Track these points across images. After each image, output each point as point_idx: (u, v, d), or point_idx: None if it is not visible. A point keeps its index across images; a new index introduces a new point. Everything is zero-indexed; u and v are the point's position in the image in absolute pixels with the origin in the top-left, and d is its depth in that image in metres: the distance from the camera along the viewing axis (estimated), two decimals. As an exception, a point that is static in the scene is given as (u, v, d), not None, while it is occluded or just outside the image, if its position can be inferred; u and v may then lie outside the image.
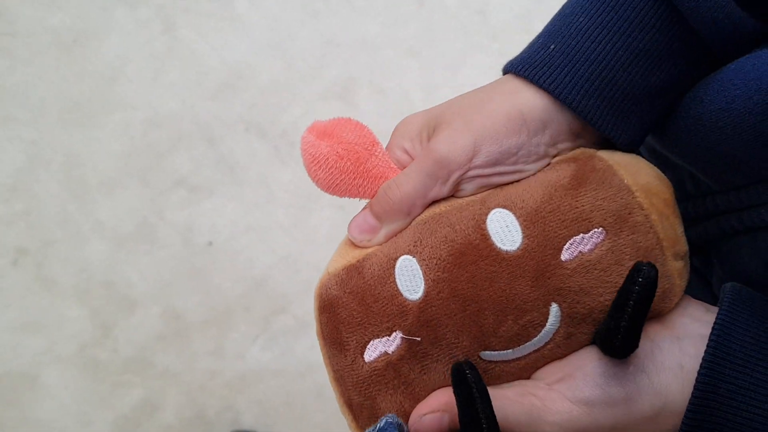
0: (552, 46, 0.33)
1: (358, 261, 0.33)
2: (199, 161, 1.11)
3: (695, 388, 0.29)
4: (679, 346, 0.30)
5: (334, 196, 0.35)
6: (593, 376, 0.30)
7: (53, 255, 1.09)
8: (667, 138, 0.36)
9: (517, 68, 0.33)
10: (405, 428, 0.32)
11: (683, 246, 0.32)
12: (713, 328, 0.30)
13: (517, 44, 0.36)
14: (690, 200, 0.38)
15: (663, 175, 0.34)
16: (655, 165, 0.36)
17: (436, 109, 0.35)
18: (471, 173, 0.33)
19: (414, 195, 0.33)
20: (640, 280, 0.27)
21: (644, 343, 0.29)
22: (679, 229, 0.32)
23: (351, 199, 0.36)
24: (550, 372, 0.32)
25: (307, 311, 1.08)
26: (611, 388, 0.30)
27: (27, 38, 1.14)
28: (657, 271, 0.27)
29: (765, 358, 0.29)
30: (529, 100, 0.33)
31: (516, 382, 0.32)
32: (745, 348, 0.29)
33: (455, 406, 0.30)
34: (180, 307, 1.08)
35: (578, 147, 0.34)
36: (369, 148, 0.34)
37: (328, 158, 0.33)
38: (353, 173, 0.34)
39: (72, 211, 1.10)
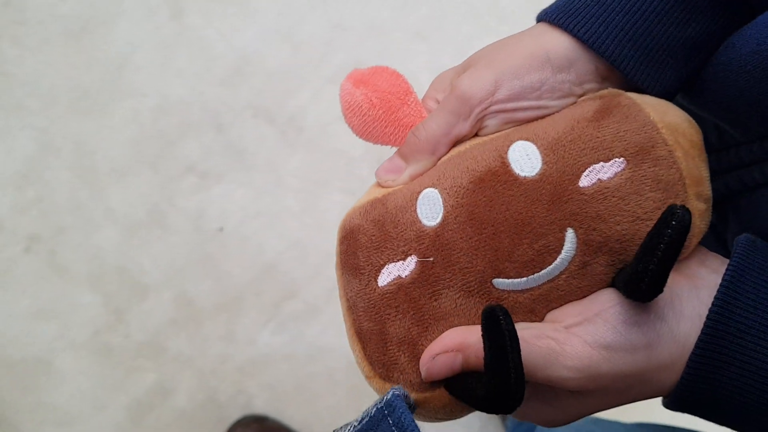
0: None
1: (383, 195, 0.35)
2: (209, 147, 1.12)
3: (705, 324, 0.29)
4: (697, 295, 0.30)
5: (368, 142, 0.37)
6: (614, 321, 0.30)
7: (65, 242, 1.10)
8: (693, 88, 0.36)
9: (551, 16, 0.34)
10: (411, 400, 0.32)
11: (707, 189, 0.32)
12: (727, 270, 0.29)
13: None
14: (713, 153, 0.38)
15: (692, 120, 0.33)
16: None
17: (467, 59, 0.36)
18: (493, 108, 0.33)
19: (438, 132, 0.33)
20: (673, 223, 0.26)
21: (665, 292, 0.29)
22: (705, 172, 0.32)
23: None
24: (568, 314, 0.31)
25: (317, 296, 1.09)
26: (632, 334, 0.30)
27: (36, 26, 1.14)
28: (690, 215, 0.26)
29: None
30: (556, 39, 0.33)
31: (533, 324, 0.31)
32: (758, 290, 0.29)
33: (469, 347, 0.30)
34: (191, 293, 1.09)
35: (605, 88, 0.34)
36: (402, 97, 0.35)
37: (361, 106, 0.35)
38: (385, 121, 0.35)
39: (83, 198, 1.11)
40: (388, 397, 0.30)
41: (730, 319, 0.29)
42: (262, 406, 1.06)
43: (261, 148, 1.12)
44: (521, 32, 0.35)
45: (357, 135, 0.36)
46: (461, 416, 0.33)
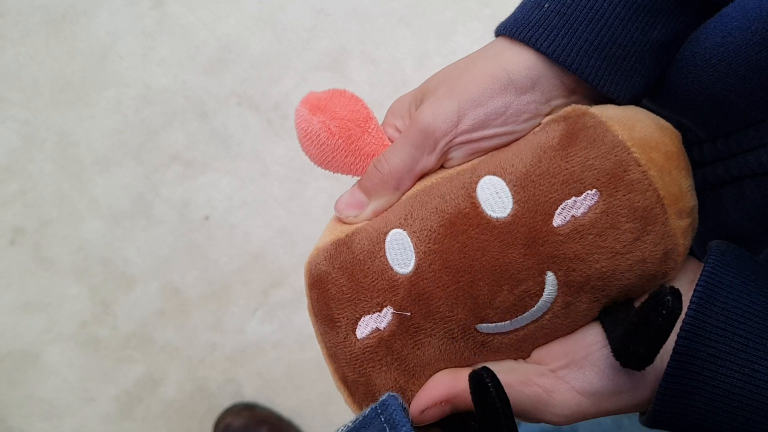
0: (546, 5, 0.32)
1: (346, 236, 0.33)
2: (193, 136, 1.11)
3: (674, 350, 0.28)
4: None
5: (327, 170, 0.35)
6: (601, 365, 0.30)
7: (50, 234, 1.09)
8: (655, 88, 0.35)
9: (510, 30, 0.32)
10: (405, 406, 0.31)
11: (689, 201, 0.31)
12: (694, 293, 0.29)
13: (509, 10, 0.34)
14: None
15: (666, 123, 0.32)
16: None
17: (424, 84, 0.34)
18: (458, 139, 0.32)
19: (402, 168, 0.32)
20: (663, 312, 0.26)
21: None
22: (685, 184, 0.31)
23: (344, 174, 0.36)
24: (555, 355, 0.31)
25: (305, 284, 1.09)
26: (619, 378, 0.29)
27: (16, 17, 1.13)
28: (681, 301, 0.26)
29: (746, 322, 0.28)
30: (517, 57, 0.31)
31: (520, 367, 0.31)
32: (727, 312, 0.28)
33: (458, 397, 0.30)
34: (178, 283, 1.08)
35: (573, 102, 0.33)
36: (362, 125, 0.33)
37: (319, 134, 0.33)
38: (344, 151, 0.33)
39: (67, 189, 1.10)
40: (384, 398, 0.30)
41: (699, 344, 0.28)
42: (251, 394, 1.06)
43: (246, 137, 1.11)
44: (480, 51, 0.33)
45: (315, 164, 0.34)
46: None
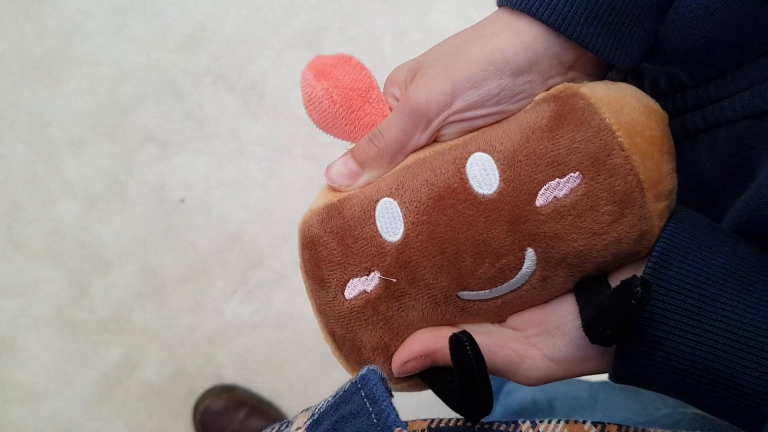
0: None
1: (338, 201, 0.34)
2: (168, 116, 1.09)
3: None
4: None
5: (328, 134, 0.36)
6: (572, 335, 0.32)
7: (23, 217, 1.07)
8: None
9: (512, 1, 0.32)
10: (385, 377, 0.32)
11: (668, 184, 0.32)
12: (650, 257, 0.30)
13: None
14: (660, 97, 0.37)
15: (654, 105, 0.33)
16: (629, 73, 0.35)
17: (420, 56, 0.34)
18: (451, 118, 0.32)
19: (396, 144, 0.33)
20: (633, 302, 0.27)
21: None
22: (666, 167, 0.32)
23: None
24: (530, 323, 0.33)
25: (284, 264, 1.08)
26: (587, 348, 0.31)
27: (-18, -6, 1.10)
28: (650, 293, 0.27)
29: (699, 285, 0.29)
30: (513, 41, 0.31)
31: (496, 330, 0.33)
32: (682, 274, 0.30)
33: (437, 353, 0.32)
34: (156, 265, 1.07)
35: (569, 79, 0.33)
36: (364, 95, 0.34)
37: (322, 101, 0.34)
38: (345, 119, 0.34)
39: (40, 171, 1.08)
40: (363, 372, 0.31)
41: (653, 305, 0.30)
42: (232, 375, 1.06)
43: (222, 116, 1.10)
44: (478, 26, 0.33)
45: (317, 128, 0.36)
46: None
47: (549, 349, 0.32)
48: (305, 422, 0.31)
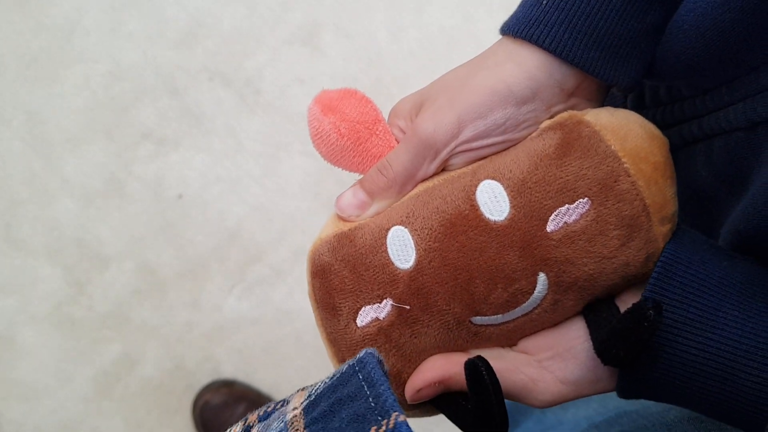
0: (545, 2, 0.32)
1: (349, 230, 0.34)
2: (165, 113, 1.09)
3: None
4: None
5: (337, 167, 0.36)
6: (583, 358, 0.32)
7: (21, 215, 1.07)
8: None
9: (513, 29, 0.33)
10: (384, 363, 0.32)
11: (671, 208, 0.32)
12: (654, 269, 0.31)
13: None
14: (660, 107, 0.38)
15: (656, 131, 0.34)
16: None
17: (425, 88, 0.35)
18: (459, 148, 0.33)
19: (405, 174, 0.34)
20: (645, 324, 0.28)
21: None
22: (669, 191, 0.32)
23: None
24: (541, 347, 0.34)
25: (282, 260, 1.08)
26: (598, 369, 0.32)
27: (-22, -8, 1.10)
28: (662, 315, 0.28)
29: (701, 295, 0.30)
30: (516, 71, 0.32)
31: (508, 355, 0.34)
32: (683, 285, 0.31)
33: (451, 378, 0.32)
34: (154, 262, 1.07)
35: (571, 106, 0.34)
36: (370, 127, 0.35)
37: (329, 135, 0.34)
38: (353, 151, 0.35)
39: (38, 169, 1.08)
40: (361, 355, 0.30)
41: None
42: (230, 371, 1.06)
43: (219, 113, 1.10)
44: (482, 57, 0.34)
45: (325, 160, 0.36)
46: None
47: (561, 372, 0.32)
48: (302, 402, 0.31)
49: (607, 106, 0.35)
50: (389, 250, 0.33)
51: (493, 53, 0.34)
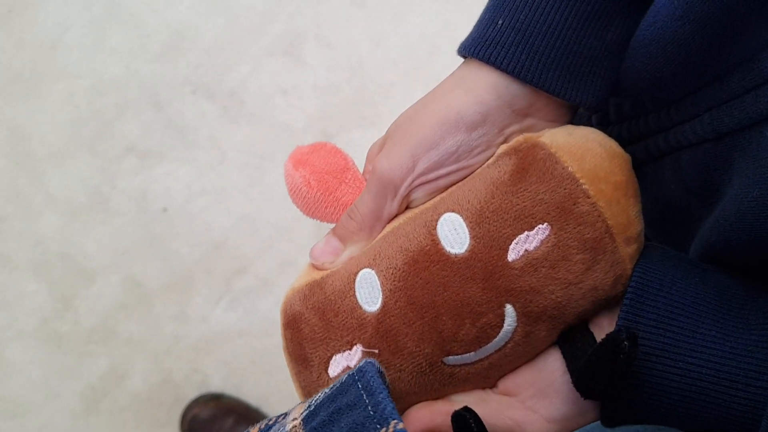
0: (500, 22, 0.32)
1: (321, 278, 0.34)
2: (148, 126, 1.10)
3: None
4: None
5: (315, 220, 0.37)
6: (565, 392, 0.32)
7: (6, 231, 1.07)
8: None
9: (469, 50, 0.33)
10: (382, 370, 0.32)
11: (636, 227, 0.32)
12: (626, 295, 0.30)
13: None
14: (626, 121, 0.38)
15: (617, 149, 0.33)
16: None
17: (390, 127, 0.36)
18: (417, 182, 0.33)
19: (370, 215, 0.34)
20: (621, 357, 0.27)
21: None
22: (633, 211, 0.32)
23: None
24: (521, 385, 0.33)
25: (268, 270, 1.08)
26: (582, 401, 0.31)
27: (-41, 10, 1.10)
28: (637, 346, 0.27)
29: (677, 318, 0.30)
30: (464, 97, 0.32)
31: (491, 397, 0.33)
32: (658, 310, 0.30)
33: (433, 427, 0.32)
34: (139, 275, 1.07)
35: (527, 127, 0.34)
36: (339, 176, 0.35)
37: (300, 187, 0.35)
38: (324, 201, 0.35)
39: (22, 184, 1.08)
40: (361, 365, 0.30)
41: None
42: (218, 383, 1.06)
43: (202, 125, 1.10)
44: (436, 88, 0.35)
45: (303, 214, 0.37)
46: None
47: (546, 410, 0.32)
48: (302, 413, 0.31)
49: (570, 124, 0.35)
50: (357, 293, 0.32)
51: (443, 83, 0.34)
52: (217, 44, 1.12)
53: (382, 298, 0.32)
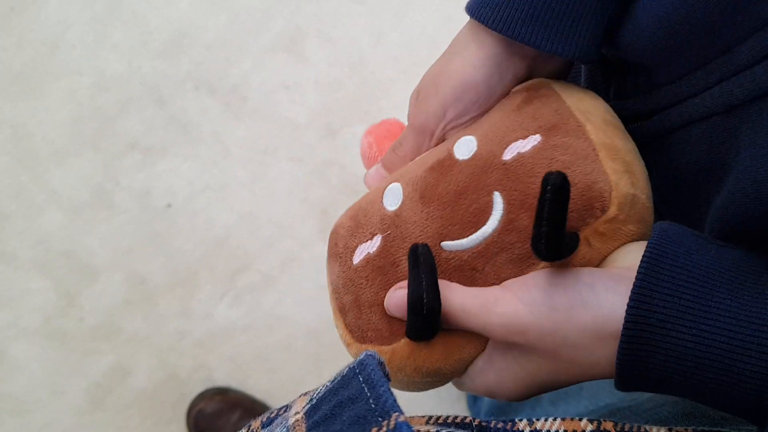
0: None
1: (362, 197, 0.41)
2: (151, 123, 1.10)
3: (625, 318, 0.30)
4: (632, 277, 0.31)
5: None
6: (541, 281, 0.33)
7: (9, 228, 1.07)
8: (613, 44, 0.39)
9: (470, 10, 0.38)
10: (385, 367, 0.32)
11: (623, 154, 0.35)
12: (641, 262, 0.31)
13: None
14: (640, 95, 0.39)
15: (610, 109, 0.38)
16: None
17: (422, 79, 0.41)
18: (449, 126, 0.40)
19: (411, 152, 0.41)
20: (548, 187, 0.29)
21: (602, 267, 0.34)
22: (619, 141, 0.35)
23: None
24: (508, 275, 0.35)
25: (272, 266, 1.08)
26: (555, 294, 0.32)
27: (-39, 9, 1.10)
28: (564, 176, 0.29)
29: (691, 286, 0.30)
30: (478, 52, 0.38)
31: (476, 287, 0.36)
32: (673, 279, 0.30)
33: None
34: (143, 272, 1.07)
35: (540, 73, 0.40)
36: (393, 140, 0.44)
37: (365, 149, 0.46)
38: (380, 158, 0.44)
39: (25, 182, 1.08)
40: (361, 357, 0.31)
41: (648, 310, 0.30)
42: (223, 378, 1.06)
43: (205, 121, 1.10)
44: (453, 42, 0.40)
45: (367, 170, 0.45)
46: (430, 383, 0.38)
47: (520, 291, 0.33)
48: (303, 407, 0.31)
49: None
50: (384, 199, 0.39)
51: (461, 37, 0.39)
52: (219, 41, 1.12)
53: (402, 199, 0.38)
